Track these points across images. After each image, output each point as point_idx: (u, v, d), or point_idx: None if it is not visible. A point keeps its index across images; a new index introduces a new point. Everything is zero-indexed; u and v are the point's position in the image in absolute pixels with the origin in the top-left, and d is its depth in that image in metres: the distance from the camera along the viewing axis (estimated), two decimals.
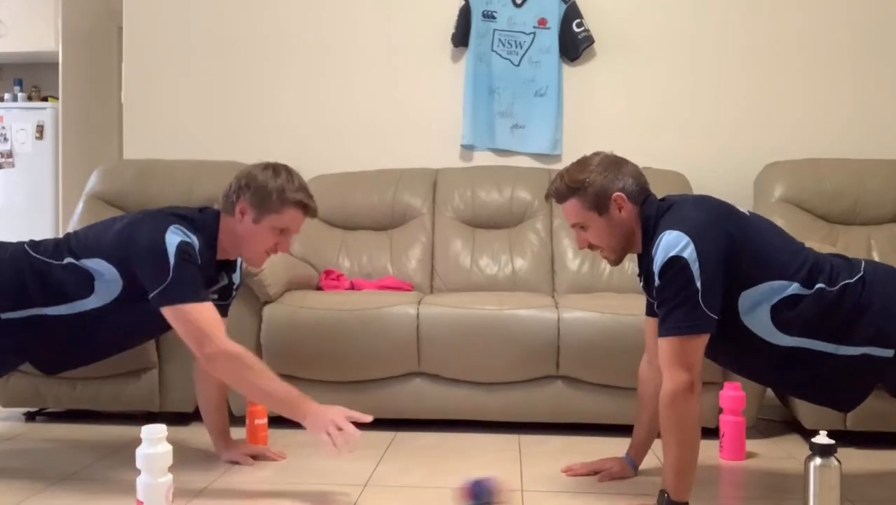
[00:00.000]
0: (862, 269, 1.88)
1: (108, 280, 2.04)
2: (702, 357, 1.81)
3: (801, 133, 3.50)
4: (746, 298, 1.83)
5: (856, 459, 2.36)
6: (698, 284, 1.75)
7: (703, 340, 1.79)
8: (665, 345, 1.80)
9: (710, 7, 3.56)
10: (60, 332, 2.10)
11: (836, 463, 1.78)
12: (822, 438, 1.79)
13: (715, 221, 1.83)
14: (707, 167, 3.46)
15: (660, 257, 1.80)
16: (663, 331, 1.80)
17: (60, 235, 2.25)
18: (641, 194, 1.97)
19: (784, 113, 3.53)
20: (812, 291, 1.83)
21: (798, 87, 3.52)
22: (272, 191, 2.07)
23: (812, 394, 2.06)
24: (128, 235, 2.03)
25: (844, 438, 2.40)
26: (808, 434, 2.28)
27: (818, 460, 1.78)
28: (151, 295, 1.97)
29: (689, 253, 1.75)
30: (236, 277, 2.32)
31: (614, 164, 1.98)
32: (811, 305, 1.83)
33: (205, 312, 1.98)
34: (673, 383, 1.78)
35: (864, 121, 3.49)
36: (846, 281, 1.84)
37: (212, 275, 2.16)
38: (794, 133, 3.51)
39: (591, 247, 2.03)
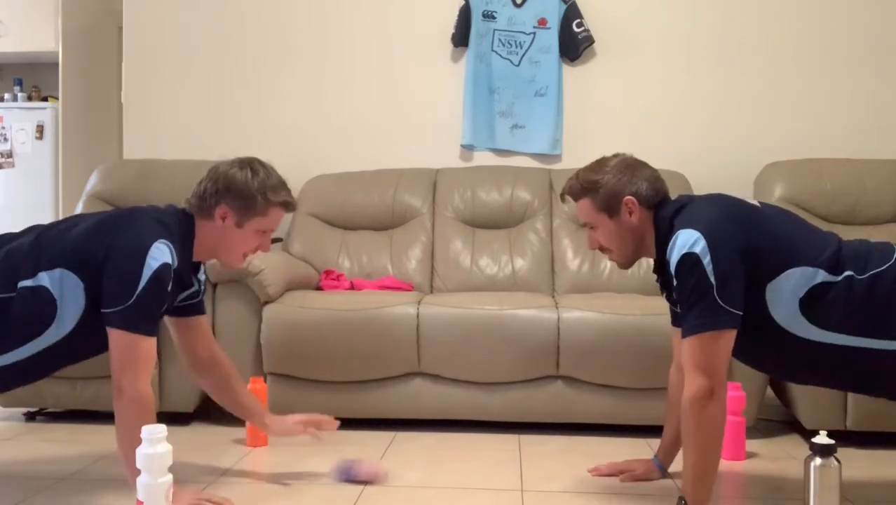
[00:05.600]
0: (895, 256, 1.78)
1: (69, 299, 1.87)
2: (725, 359, 1.76)
3: (801, 133, 3.50)
4: (772, 291, 1.77)
5: (856, 459, 2.36)
6: (712, 279, 1.72)
7: (725, 338, 1.74)
8: (686, 346, 1.76)
9: (710, 7, 3.56)
10: (18, 370, 1.95)
11: (836, 463, 1.78)
12: (822, 438, 1.79)
13: (727, 216, 1.81)
14: (707, 167, 3.46)
15: (674, 258, 1.78)
16: (684, 332, 1.77)
17: (9, 243, 1.98)
18: (656, 198, 1.94)
19: (784, 113, 3.53)
20: (840, 278, 1.75)
21: (798, 87, 3.52)
22: (255, 193, 1.97)
23: (876, 391, 1.97)
24: (106, 238, 1.88)
25: (844, 438, 2.40)
26: (808, 434, 2.28)
27: (818, 460, 1.78)
28: (106, 310, 1.85)
29: (701, 248, 1.73)
30: (202, 275, 2.20)
31: (630, 167, 1.97)
32: (841, 295, 1.75)
33: (147, 346, 1.88)
34: (693, 387, 1.74)
35: (864, 121, 3.49)
36: (877, 269, 1.75)
37: (187, 281, 2.07)
38: (794, 133, 3.51)
39: (602, 249, 2.02)
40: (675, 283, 1.80)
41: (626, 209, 1.93)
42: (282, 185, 2.04)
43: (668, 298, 2.02)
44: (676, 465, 2.18)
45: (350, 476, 2.15)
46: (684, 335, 1.78)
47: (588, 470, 2.24)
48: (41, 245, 1.92)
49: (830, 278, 1.76)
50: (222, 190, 1.98)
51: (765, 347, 1.86)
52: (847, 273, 1.76)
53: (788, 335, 1.80)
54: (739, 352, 1.86)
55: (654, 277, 2.01)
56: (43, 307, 1.88)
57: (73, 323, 1.89)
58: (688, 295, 1.76)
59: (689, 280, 1.75)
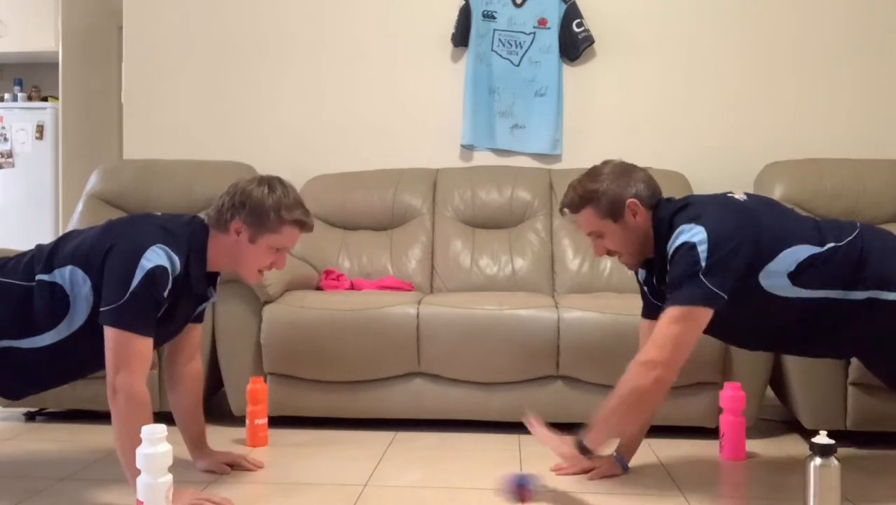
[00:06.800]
0: (858, 225, 2.02)
1: (79, 295, 1.94)
2: (689, 340, 1.86)
3: (801, 133, 3.50)
4: (766, 271, 1.90)
5: (856, 459, 2.36)
6: (703, 263, 1.82)
7: (696, 316, 1.84)
8: (661, 318, 1.86)
9: (710, 7, 3.56)
10: (31, 363, 2.00)
11: (836, 463, 1.78)
12: (822, 438, 1.79)
13: (730, 216, 1.90)
14: (707, 167, 3.46)
15: (672, 249, 1.88)
16: (666, 305, 1.87)
17: (43, 243, 2.11)
18: (653, 198, 2.02)
19: (784, 113, 3.53)
20: (824, 249, 1.92)
21: (798, 87, 3.52)
22: (269, 210, 2.00)
23: (819, 346, 2.13)
24: (109, 239, 1.95)
25: (844, 438, 2.41)
26: (808, 434, 2.28)
27: (818, 460, 1.78)
28: (101, 309, 1.89)
29: (700, 238, 1.83)
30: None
31: (625, 171, 2.03)
32: (826, 263, 1.91)
33: (140, 345, 1.89)
34: (646, 355, 1.86)
35: (864, 121, 3.49)
36: (849, 238, 1.95)
37: (201, 292, 2.09)
38: (794, 133, 3.51)
39: (610, 253, 2.07)
40: (668, 268, 1.89)
41: (630, 212, 2.00)
42: (298, 204, 2.07)
43: (650, 291, 2.12)
44: (639, 459, 2.27)
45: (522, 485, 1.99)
46: (664, 307, 1.87)
47: (551, 469, 2.24)
48: (60, 244, 2.03)
49: (816, 250, 1.92)
50: (238, 205, 2.02)
51: (746, 314, 1.96)
52: (830, 244, 1.93)
53: (773, 298, 1.92)
54: (719, 324, 1.93)
55: (637, 273, 2.14)
56: (57, 301, 1.96)
57: (83, 318, 1.96)
58: (676, 278, 1.86)
59: (680, 264, 1.85)
